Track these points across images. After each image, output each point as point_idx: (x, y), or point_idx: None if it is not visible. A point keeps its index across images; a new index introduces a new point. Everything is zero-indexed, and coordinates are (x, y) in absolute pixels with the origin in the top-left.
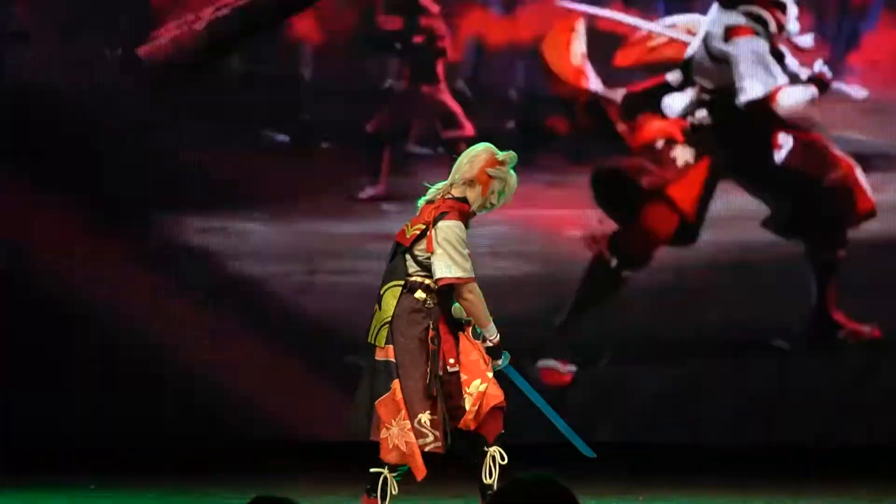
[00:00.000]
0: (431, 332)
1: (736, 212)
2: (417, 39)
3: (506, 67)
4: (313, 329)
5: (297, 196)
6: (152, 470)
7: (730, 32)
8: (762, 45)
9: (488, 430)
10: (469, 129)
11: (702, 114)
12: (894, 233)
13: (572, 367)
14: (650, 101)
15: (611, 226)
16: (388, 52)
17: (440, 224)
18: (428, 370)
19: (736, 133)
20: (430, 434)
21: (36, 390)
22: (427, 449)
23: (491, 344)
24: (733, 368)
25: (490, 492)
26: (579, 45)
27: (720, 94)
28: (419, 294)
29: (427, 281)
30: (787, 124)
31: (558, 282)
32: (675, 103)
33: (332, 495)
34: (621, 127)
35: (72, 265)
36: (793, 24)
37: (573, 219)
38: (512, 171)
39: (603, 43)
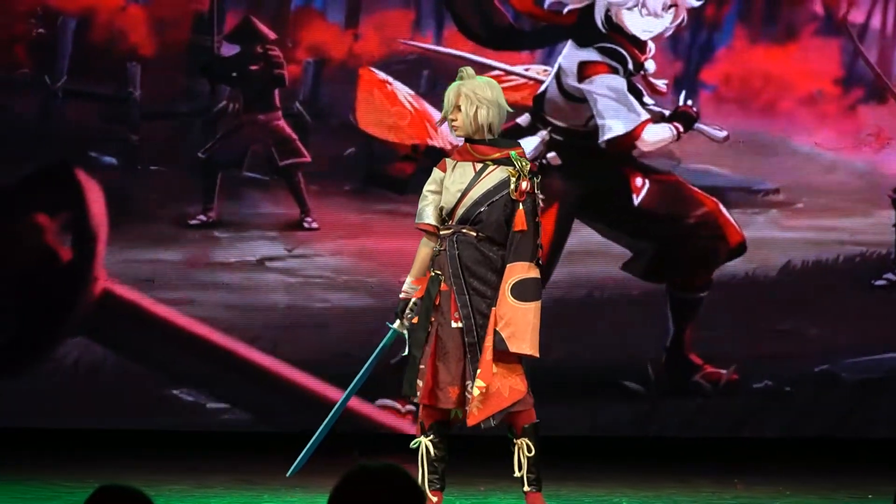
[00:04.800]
0: (430, 273)
1: (591, 246)
2: (254, 67)
3: (346, 92)
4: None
5: (125, 220)
6: None
7: (585, 70)
8: (620, 82)
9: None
10: (307, 156)
11: (553, 155)
12: (754, 271)
13: (412, 407)
14: None
15: None
16: (224, 80)
17: None
18: (426, 321)
19: (591, 174)
20: (420, 389)
21: None
22: (414, 401)
23: (400, 296)
24: (583, 411)
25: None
26: (402, 92)
27: (574, 134)
28: (436, 245)
29: (441, 230)
30: (645, 166)
31: None
32: (526, 145)
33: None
34: None
35: None
36: (650, 64)
37: (413, 250)
38: (480, 79)
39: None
